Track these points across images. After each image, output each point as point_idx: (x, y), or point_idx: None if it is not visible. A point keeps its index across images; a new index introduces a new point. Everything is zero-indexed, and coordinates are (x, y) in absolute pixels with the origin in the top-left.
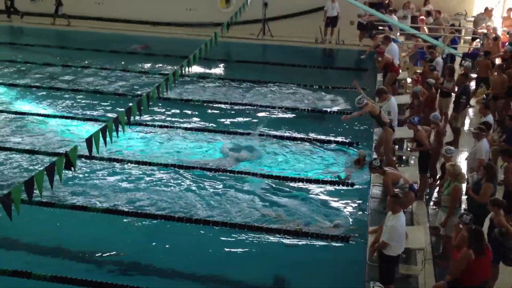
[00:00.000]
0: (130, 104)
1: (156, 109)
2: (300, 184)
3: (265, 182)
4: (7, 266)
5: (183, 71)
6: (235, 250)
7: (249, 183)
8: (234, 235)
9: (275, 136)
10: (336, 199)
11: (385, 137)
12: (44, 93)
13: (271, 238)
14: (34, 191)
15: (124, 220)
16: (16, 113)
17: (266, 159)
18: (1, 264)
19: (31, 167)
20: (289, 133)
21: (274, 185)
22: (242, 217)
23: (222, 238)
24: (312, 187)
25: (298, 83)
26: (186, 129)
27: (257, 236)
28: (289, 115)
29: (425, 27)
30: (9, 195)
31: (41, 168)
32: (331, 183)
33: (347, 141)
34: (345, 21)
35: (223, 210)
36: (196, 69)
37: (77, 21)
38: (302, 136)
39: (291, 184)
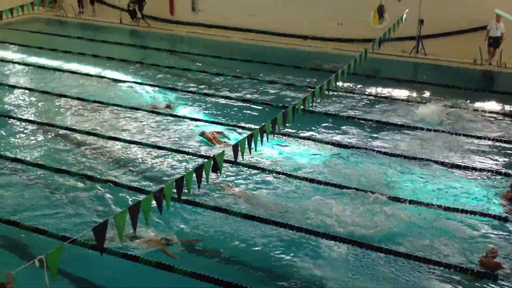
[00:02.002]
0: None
1: (301, 121)
2: (445, 213)
3: (404, 206)
4: (152, 258)
5: (331, 85)
6: (368, 270)
7: (389, 206)
8: (369, 256)
9: (420, 159)
10: (486, 232)
11: None
12: (198, 98)
13: (407, 264)
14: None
15: (262, 227)
16: (171, 115)
17: (409, 183)
18: (146, 255)
19: (181, 167)
20: (436, 157)
21: (415, 211)
22: (379, 238)
23: (356, 258)
24: (459, 216)
25: (451, 105)
26: (328, 143)
27: (392, 260)
28: (435, 138)
29: None
30: (161, 190)
31: (191, 169)
32: (481, 215)
33: (502, 170)
34: (509, 43)
35: (359, 229)
36: (343, 84)
37: (231, 32)
38: (452, 161)
39: (435, 211)
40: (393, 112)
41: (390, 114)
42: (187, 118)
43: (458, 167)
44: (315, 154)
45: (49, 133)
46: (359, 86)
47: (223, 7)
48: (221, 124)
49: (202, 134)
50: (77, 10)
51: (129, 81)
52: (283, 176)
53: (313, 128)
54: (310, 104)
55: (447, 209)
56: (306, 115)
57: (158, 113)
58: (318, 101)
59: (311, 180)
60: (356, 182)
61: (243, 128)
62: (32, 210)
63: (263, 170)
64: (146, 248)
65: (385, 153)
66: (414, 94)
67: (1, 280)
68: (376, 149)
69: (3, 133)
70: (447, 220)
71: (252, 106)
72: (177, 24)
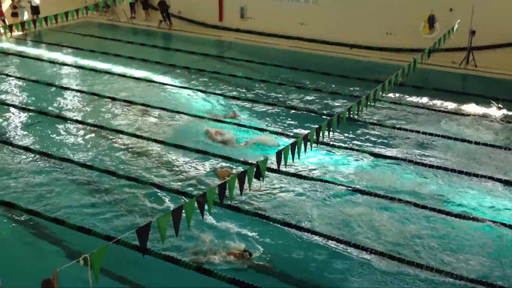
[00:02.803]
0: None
1: (346, 130)
2: (497, 229)
3: (452, 219)
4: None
5: (377, 95)
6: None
7: (435, 220)
8: (436, 279)
9: (468, 173)
10: None
11: None
12: (243, 105)
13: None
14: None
15: (303, 236)
16: (216, 120)
17: (459, 196)
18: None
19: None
20: (486, 172)
21: (467, 226)
22: (421, 254)
23: (416, 278)
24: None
25: (502, 119)
26: (373, 153)
27: (436, 275)
28: (484, 152)
29: None
30: (204, 195)
31: (234, 175)
32: None
33: None
34: None
35: (420, 250)
36: (390, 94)
37: (280, 40)
38: (502, 177)
39: (484, 227)
40: (441, 124)
41: (438, 126)
42: (230, 123)
43: (508, 183)
44: (359, 164)
45: (97, 134)
46: (406, 96)
47: (272, 15)
48: (265, 130)
49: (207, 132)
50: (129, 15)
51: (176, 86)
52: (326, 184)
53: (358, 137)
54: (356, 113)
55: (499, 224)
56: (351, 124)
57: (201, 117)
58: (364, 110)
59: (354, 190)
60: (400, 194)
61: (287, 135)
62: (78, 209)
63: (305, 178)
64: (228, 262)
65: (431, 166)
66: (463, 106)
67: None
68: (421, 161)
69: (54, 133)
70: (498, 237)
71: (296, 113)
72: (226, 31)
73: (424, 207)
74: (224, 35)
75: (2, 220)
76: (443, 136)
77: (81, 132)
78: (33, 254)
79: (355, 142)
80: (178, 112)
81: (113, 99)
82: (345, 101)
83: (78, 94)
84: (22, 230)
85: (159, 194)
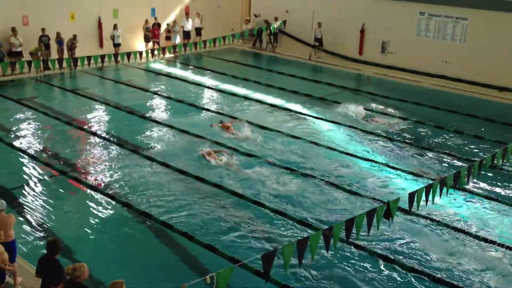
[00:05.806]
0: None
1: (487, 178)
2: None
3: None
4: None
5: None
6: None
7: None
8: None
9: None
10: None
11: None
12: (378, 140)
13: None
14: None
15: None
16: (347, 154)
17: None
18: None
19: (353, 208)
20: None
21: None
22: None
23: None
24: None
25: None
26: None
27: None
28: None
29: None
30: (330, 229)
31: (363, 211)
32: None
33: None
34: None
35: None
36: None
37: (422, 77)
38: None
39: None
40: None
41: None
42: (362, 158)
43: None
44: (500, 216)
45: (231, 157)
46: None
47: (415, 51)
48: (399, 170)
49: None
50: (272, 44)
51: (310, 116)
52: (459, 233)
53: (500, 187)
54: (500, 161)
55: None
56: (494, 172)
57: (333, 149)
58: (511, 158)
59: (492, 243)
60: None
61: (421, 176)
62: (206, 227)
63: (438, 222)
64: None
65: None
66: None
67: None
68: None
69: (191, 152)
70: None
71: (434, 155)
72: (365, 64)
73: None
74: (364, 69)
75: (138, 228)
76: None
77: (217, 154)
78: (161, 264)
79: (497, 191)
80: (311, 142)
81: (250, 123)
82: (489, 146)
83: (216, 115)
84: (153, 238)
85: (285, 223)
